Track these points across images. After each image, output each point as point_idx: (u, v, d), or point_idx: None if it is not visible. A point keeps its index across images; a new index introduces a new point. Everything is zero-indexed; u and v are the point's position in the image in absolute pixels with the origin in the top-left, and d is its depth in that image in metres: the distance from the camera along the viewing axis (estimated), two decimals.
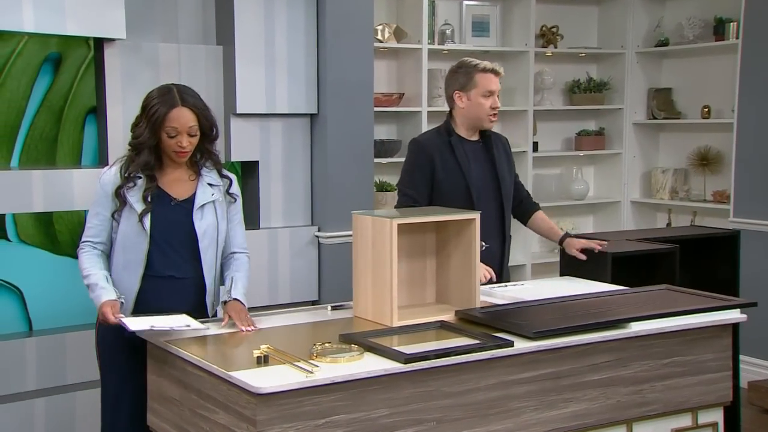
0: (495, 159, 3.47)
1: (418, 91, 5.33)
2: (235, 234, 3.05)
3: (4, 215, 3.84)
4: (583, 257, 3.54)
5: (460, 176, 3.40)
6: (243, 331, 2.70)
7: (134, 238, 2.85)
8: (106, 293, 2.78)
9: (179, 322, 2.65)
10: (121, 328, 2.69)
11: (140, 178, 2.85)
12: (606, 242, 3.61)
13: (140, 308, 2.85)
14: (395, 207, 3.52)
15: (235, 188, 3.03)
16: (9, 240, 3.90)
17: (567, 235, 3.62)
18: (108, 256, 2.92)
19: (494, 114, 3.43)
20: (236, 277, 2.99)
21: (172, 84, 2.92)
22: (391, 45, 5.28)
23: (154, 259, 2.86)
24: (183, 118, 2.83)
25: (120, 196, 2.84)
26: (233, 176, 3.04)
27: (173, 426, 2.55)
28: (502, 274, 3.47)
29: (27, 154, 3.93)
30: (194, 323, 2.64)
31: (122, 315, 2.73)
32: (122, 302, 2.80)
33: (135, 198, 2.85)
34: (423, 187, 3.42)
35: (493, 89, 3.41)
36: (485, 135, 3.51)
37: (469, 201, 3.36)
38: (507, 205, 3.49)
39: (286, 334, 2.73)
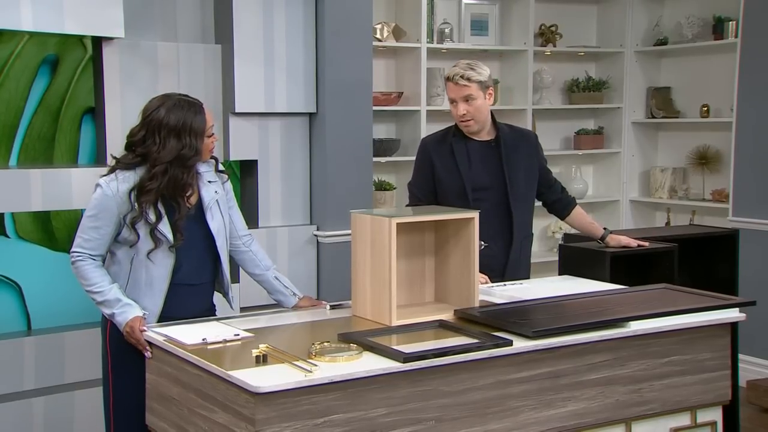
0: (503, 159, 3.44)
1: (417, 90, 5.32)
2: (236, 219, 3.06)
3: (2, 213, 3.85)
4: (635, 244, 3.61)
5: (457, 175, 3.40)
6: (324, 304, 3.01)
7: (160, 257, 2.80)
8: (132, 309, 2.74)
9: (227, 332, 2.57)
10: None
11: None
12: (647, 244, 3.65)
13: (160, 320, 2.83)
14: (406, 205, 3.57)
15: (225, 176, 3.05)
16: (8, 236, 3.93)
17: (608, 231, 3.65)
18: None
19: (463, 121, 3.38)
20: (279, 277, 3.10)
21: (166, 94, 2.87)
22: (390, 44, 5.28)
23: (176, 271, 2.84)
24: (209, 114, 2.88)
25: (135, 229, 2.76)
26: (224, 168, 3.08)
27: (172, 425, 2.55)
28: (505, 274, 3.42)
29: (25, 153, 3.96)
30: (241, 332, 2.58)
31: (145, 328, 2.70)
32: (146, 317, 2.76)
33: (161, 223, 2.78)
34: (425, 186, 3.46)
35: (451, 97, 3.38)
36: (498, 134, 3.47)
37: (465, 200, 3.35)
38: (517, 206, 3.43)
39: (284, 334, 2.74)
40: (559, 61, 6.10)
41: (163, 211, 2.79)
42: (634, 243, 3.63)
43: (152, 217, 2.77)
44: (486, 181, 3.41)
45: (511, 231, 3.42)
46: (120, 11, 3.75)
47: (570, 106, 6.11)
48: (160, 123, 2.76)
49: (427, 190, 3.46)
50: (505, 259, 3.43)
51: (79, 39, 4.01)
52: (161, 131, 2.76)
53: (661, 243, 3.75)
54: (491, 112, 3.46)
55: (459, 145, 3.43)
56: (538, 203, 3.66)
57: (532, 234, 3.60)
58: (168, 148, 2.75)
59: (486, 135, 3.47)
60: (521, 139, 3.53)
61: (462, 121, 3.39)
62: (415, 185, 3.52)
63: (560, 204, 3.66)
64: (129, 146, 2.83)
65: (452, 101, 3.39)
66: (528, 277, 3.53)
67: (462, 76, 3.33)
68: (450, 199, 3.38)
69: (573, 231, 3.88)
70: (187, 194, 2.83)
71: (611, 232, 3.67)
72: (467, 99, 3.34)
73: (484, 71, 3.37)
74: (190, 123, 2.77)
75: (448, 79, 3.38)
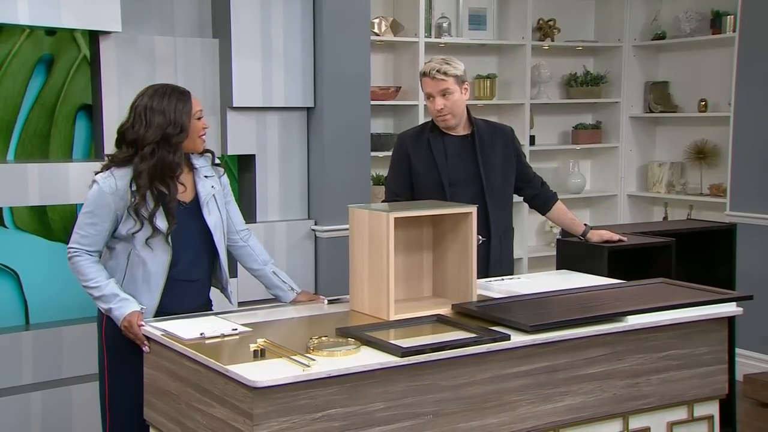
0: (478, 153, 3.44)
1: (414, 84, 5.31)
2: (233, 213, 3.06)
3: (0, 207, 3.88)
4: (616, 238, 3.59)
5: (434, 170, 3.41)
6: (322, 299, 3.00)
7: (157, 252, 2.81)
8: (130, 304, 2.74)
9: (225, 326, 2.58)
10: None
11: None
12: (626, 238, 3.64)
13: (156, 316, 2.83)
14: (382, 201, 3.58)
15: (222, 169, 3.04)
16: (6, 227, 3.98)
17: (588, 228, 3.64)
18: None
19: (441, 116, 3.39)
20: (277, 271, 3.09)
21: (154, 85, 2.89)
22: (388, 38, 5.27)
23: (172, 266, 2.84)
24: (196, 99, 2.89)
25: (140, 216, 2.76)
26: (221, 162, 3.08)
27: (170, 420, 2.56)
28: (489, 269, 3.41)
29: (22, 148, 3.99)
30: (239, 327, 2.58)
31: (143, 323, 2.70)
32: (143, 311, 2.77)
33: (158, 211, 2.78)
34: (402, 181, 3.47)
35: (428, 92, 3.39)
36: (474, 129, 3.47)
37: (442, 195, 3.36)
38: (493, 200, 3.43)
39: (282, 328, 2.74)
40: (557, 56, 6.10)
41: (157, 195, 2.80)
42: (615, 237, 3.61)
43: (151, 203, 2.78)
44: (462, 175, 3.42)
45: (488, 225, 3.41)
46: (117, 5, 3.74)
47: (568, 101, 6.11)
48: (145, 106, 2.80)
49: (404, 185, 3.47)
50: (486, 254, 3.40)
51: (74, 39, 4.04)
52: (146, 113, 2.79)
53: (658, 237, 3.76)
54: (467, 108, 3.48)
55: (436, 139, 3.45)
56: (519, 198, 3.66)
57: (513, 229, 3.60)
58: (153, 126, 2.77)
59: (462, 130, 3.48)
60: (497, 134, 3.54)
61: (439, 116, 3.40)
62: (392, 181, 3.53)
63: (540, 199, 3.65)
64: (120, 138, 2.85)
65: (429, 96, 3.40)
66: (511, 273, 3.52)
67: (438, 71, 3.35)
68: (427, 193, 3.39)
69: None
70: (177, 174, 2.83)
71: (591, 228, 3.66)
72: (444, 93, 3.36)
73: (460, 66, 3.40)
74: (174, 103, 2.80)
75: (424, 74, 3.39)
